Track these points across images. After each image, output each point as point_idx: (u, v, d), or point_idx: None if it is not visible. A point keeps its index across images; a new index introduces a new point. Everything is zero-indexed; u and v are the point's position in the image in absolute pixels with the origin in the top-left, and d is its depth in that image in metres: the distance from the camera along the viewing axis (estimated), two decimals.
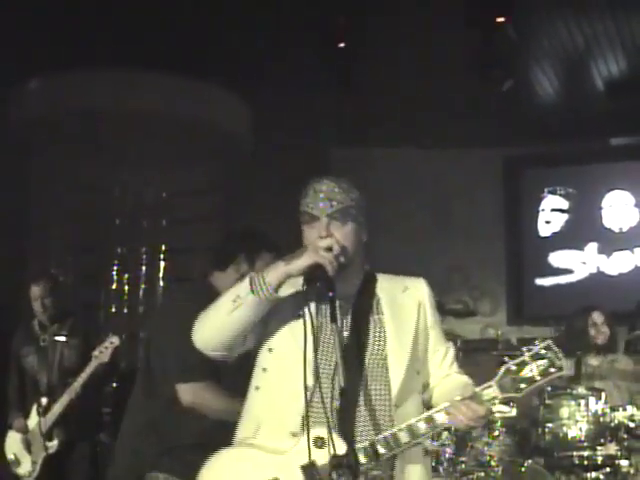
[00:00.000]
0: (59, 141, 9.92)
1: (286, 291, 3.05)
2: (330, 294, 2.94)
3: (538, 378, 2.99)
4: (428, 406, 3.21)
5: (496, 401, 3.03)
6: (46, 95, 9.64)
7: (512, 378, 3.00)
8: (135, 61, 8.82)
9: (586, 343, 6.83)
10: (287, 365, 3.01)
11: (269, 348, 3.11)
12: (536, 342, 2.99)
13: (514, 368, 3.00)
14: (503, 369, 3.01)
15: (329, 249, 2.98)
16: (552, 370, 3.00)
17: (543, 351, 3.01)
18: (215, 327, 3.06)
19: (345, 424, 2.92)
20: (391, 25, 8.46)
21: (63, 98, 9.54)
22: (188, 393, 4.08)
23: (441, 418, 2.99)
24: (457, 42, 8.54)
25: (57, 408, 6.22)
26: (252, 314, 2.99)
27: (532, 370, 2.98)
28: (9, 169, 9.54)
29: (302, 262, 2.95)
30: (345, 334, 3.09)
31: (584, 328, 6.88)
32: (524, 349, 3.03)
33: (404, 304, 3.22)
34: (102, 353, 6.16)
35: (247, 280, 2.98)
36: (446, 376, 3.27)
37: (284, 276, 2.97)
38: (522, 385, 2.99)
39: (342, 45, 8.44)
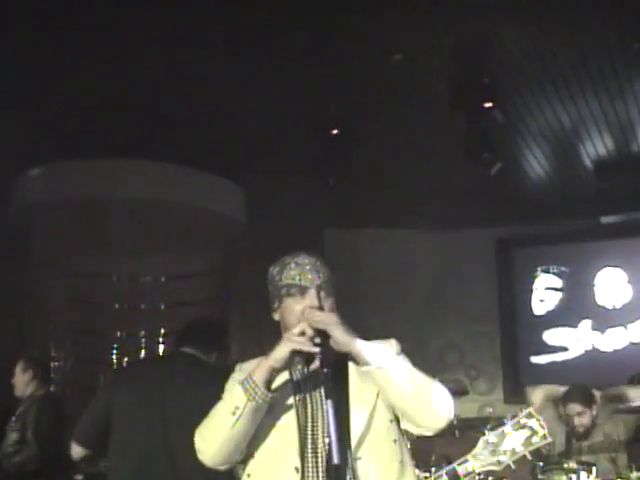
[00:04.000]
0: (58, 227, 10.04)
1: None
2: (325, 371, 2.96)
3: (520, 449, 2.91)
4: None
5: (474, 475, 2.97)
6: (47, 182, 9.75)
7: (492, 450, 2.92)
8: (133, 151, 8.99)
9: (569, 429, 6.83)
10: (274, 448, 3.06)
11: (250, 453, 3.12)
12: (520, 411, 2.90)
13: (494, 439, 2.93)
14: (481, 441, 2.90)
15: (302, 334, 2.97)
16: (535, 440, 2.90)
17: (524, 420, 2.91)
18: (220, 443, 3.03)
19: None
20: (384, 111, 8.65)
21: (63, 186, 9.62)
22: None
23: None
24: (447, 127, 8.70)
25: None
26: (253, 420, 2.98)
27: (514, 441, 2.88)
28: (11, 251, 9.64)
29: (280, 352, 2.96)
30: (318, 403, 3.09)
31: (564, 417, 6.90)
32: (505, 420, 2.93)
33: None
34: None
35: (239, 388, 2.97)
36: None
37: (269, 371, 2.97)
38: (502, 457, 2.90)
39: (335, 132, 8.61)
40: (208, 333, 5.24)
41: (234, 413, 2.95)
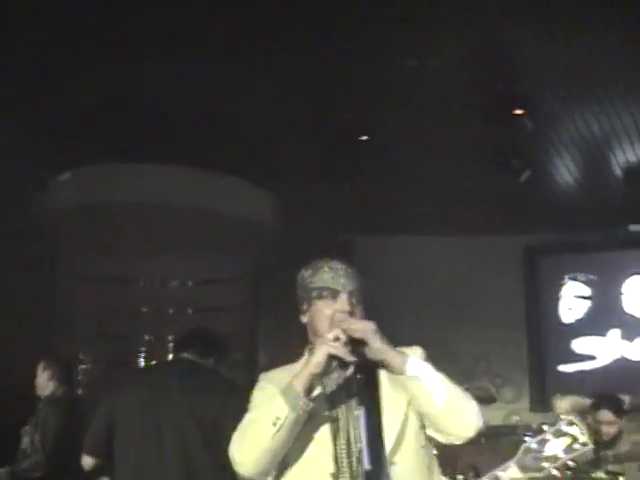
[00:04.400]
0: (87, 231, 10.10)
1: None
2: (358, 377, 3.01)
3: (562, 455, 2.89)
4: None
5: None
6: (74, 186, 9.81)
7: (533, 457, 2.90)
8: (163, 155, 9.04)
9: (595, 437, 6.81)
10: (308, 454, 3.06)
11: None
12: (560, 419, 2.88)
13: (535, 446, 2.91)
14: (523, 448, 2.89)
15: (337, 339, 2.98)
16: (576, 446, 2.88)
17: (565, 427, 2.90)
18: (259, 454, 2.99)
19: None
20: (410, 118, 8.65)
21: (91, 190, 9.71)
22: None
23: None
24: (475, 133, 8.70)
25: None
26: (294, 430, 2.96)
27: (555, 447, 2.86)
28: (38, 255, 9.70)
29: (317, 358, 2.96)
30: (353, 412, 3.09)
31: (592, 424, 6.88)
32: (545, 427, 2.93)
33: None
34: None
35: (280, 399, 2.95)
36: None
37: (309, 378, 2.96)
38: (545, 464, 2.87)
39: (364, 138, 8.63)
40: (203, 339, 5.39)
41: (275, 424, 2.92)
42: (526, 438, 2.89)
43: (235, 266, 10.74)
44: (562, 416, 2.90)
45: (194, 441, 4.81)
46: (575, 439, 2.89)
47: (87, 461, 5.10)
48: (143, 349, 10.46)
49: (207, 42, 7.09)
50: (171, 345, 10.22)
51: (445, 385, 3.04)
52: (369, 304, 3.27)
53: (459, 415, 3.06)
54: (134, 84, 7.78)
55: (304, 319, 3.28)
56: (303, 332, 3.34)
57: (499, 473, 2.98)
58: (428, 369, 3.06)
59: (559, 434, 2.91)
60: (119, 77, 7.58)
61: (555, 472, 2.79)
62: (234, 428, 3.10)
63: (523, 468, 2.93)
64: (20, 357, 8.66)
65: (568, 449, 2.89)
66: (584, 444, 2.89)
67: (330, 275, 3.19)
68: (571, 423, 2.91)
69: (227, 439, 3.10)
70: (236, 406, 3.91)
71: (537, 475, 2.93)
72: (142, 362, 10.40)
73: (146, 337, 10.53)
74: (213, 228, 9.98)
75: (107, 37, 6.94)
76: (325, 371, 3.01)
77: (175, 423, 4.88)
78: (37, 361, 6.84)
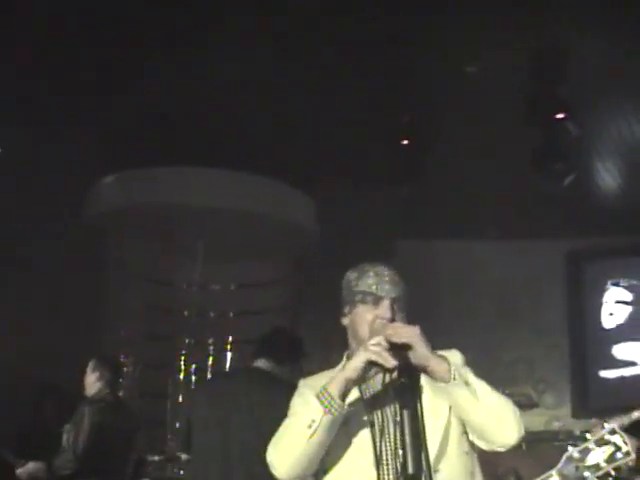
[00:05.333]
0: (133, 233, 10.19)
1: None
2: (402, 381, 2.93)
3: (604, 465, 2.79)
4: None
5: None
6: (123, 188, 9.90)
7: (575, 466, 2.78)
8: (205, 158, 9.10)
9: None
10: (348, 461, 3.05)
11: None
12: (603, 426, 2.83)
13: (577, 455, 2.78)
14: (565, 456, 2.86)
15: (378, 345, 2.94)
16: (619, 456, 2.78)
17: (608, 436, 2.77)
18: (295, 457, 3.00)
19: None
20: (455, 121, 8.64)
21: (139, 192, 9.79)
22: None
23: None
24: (520, 137, 8.67)
25: None
26: (329, 433, 2.95)
27: (597, 456, 2.74)
28: (87, 255, 9.79)
29: (356, 363, 2.94)
30: (392, 418, 3.07)
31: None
32: (588, 435, 2.89)
33: None
34: None
35: (315, 401, 2.93)
36: None
37: (345, 383, 2.94)
38: (586, 473, 2.77)
39: (406, 142, 8.63)
40: (283, 344, 5.30)
41: (310, 426, 2.92)
42: (569, 447, 2.85)
43: (276, 270, 10.80)
44: (605, 424, 2.83)
45: (260, 459, 4.82)
46: (618, 448, 2.83)
47: None
48: (183, 351, 10.54)
49: (271, 46, 7.17)
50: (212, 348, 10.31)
51: (488, 393, 3.02)
52: (411, 308, 3.23)
53: (502, 423, 3.05)
54: (184, 91, 7.85)
55: (345, 321, 3.26)
56: (343, 336, 3.32)
57: None
58: (471, 377, 3.03)
59: (602, 443, 2.86)
60: (169, 84, 7.67)
61: None
62: None
63: (564, 477, 2.86)
64: (67, 356, 8.73)
65: (610, 458, 2.83)
66: (627, 453, 2.84)
67: (375, 280, 3.17)
68: (614, 432, 2.86)
69: None
70: None
71: None
72: (182, 365, 10.48)
73: (186, 340, 10.61)
74: (257, 232, 10.02)
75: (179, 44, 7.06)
76: (363, 376, 3.00)
77: (242, 441, 4.86)
78: (86, 360, 6.87)
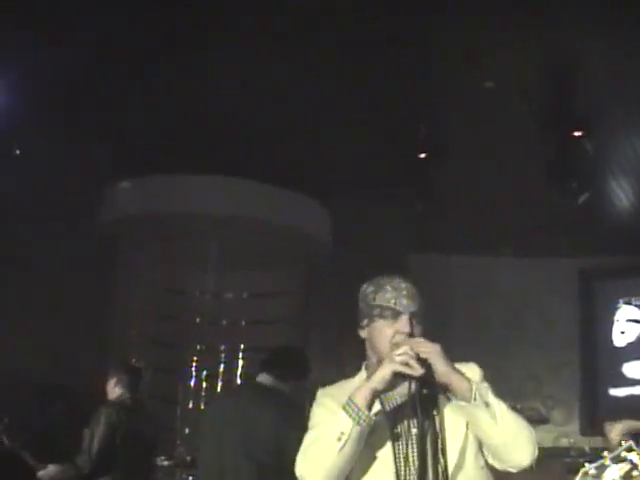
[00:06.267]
0: (145, 240, 10.23)
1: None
2: (420, 394, 2.96)
3: None
4: None
5: None
6: (136, 196, 9.95)
7: None
8: (221, 167, 9.15)
9: None
10: (369, 473, 3.05)
11: None
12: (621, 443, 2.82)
13: (594, 472, 2.84)
14: (581, 473, 2.89)
15: (405, 354, 2.93)
16: (635, 474, 2.82)
17: (624, 453, 2.84)
18: (326, 470, 2.97)
19: None
20: (471, 137, 8.68)
21: (151, 200, 9.82)
22: None
23: None
24: (535, 154, 8.69)
25: None
26: (358, 445, 2.93)
27: (613, 474, 2.82)
28: (98, 262, 9.84)
29: (382, 373, 2.93)
30: (414, 430, 3.06)
31: None
32: (605, 453, 2.89)
33: None
34: None
35: (343, 413, 2.93)
36: None
37: (371, 393, 2.93)
38: None
39: (423, 156, 8.65)
40: (286, 361, 5.36)
41: (339, 439, 2.90)
42: (586, 463, 2.85)
43: (290, 280, 10.81)
44: (622, 442, 2.82)
45: (270, 471, 4.88)
46: (635, 466, 2.84)
47: None
48: (194, 358, 10.58)
49: (272, 54, 7.21)
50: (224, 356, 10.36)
51: (507, 415, 3.03)
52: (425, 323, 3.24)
53: (517, 445, 3.06)
54: (195, 97, 7.90)
55: (363, 334, 3.26)
56: (353, 346, 3.36)
57: None
58: (491, 397, 3.04)
59: (618, 460, 2.86)
60: (185, 89, 7.72)
61: None
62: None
63: None
64: (80, 359, 8.80)
65: (627, 475, 2.85)
66: None
67: (393, 295, 3.16)
68: (630, 449, 2.86)
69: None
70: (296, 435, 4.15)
71: None
72: (193, 371, 10.52)
73: (198, 347, 10.64)
74: (272, 241, 10.04)
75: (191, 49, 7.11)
76: (388, 388, 3.01)
77: (248, 455, 4.93)
78: (103, 367, 6.96)
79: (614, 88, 7.78)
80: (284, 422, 4.84)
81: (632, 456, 2.80)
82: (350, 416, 2.92)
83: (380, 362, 3.12)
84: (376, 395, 2.98)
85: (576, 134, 8.12)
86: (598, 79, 7.64)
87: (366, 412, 2.92)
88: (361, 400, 2.94)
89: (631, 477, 2.80)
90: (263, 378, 5.26)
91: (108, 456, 6.35)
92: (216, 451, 5.11)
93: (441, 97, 8.01)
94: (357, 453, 2.96)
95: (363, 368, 3.29)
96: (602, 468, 2.81)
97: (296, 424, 4.54)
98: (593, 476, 2.81)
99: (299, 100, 7.93)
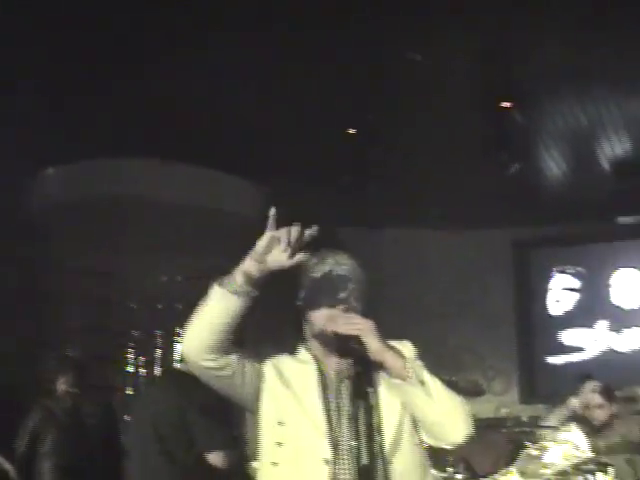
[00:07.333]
0: (76, 226, 10.08)
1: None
2: (358, 370, 3.03)
3: (561, 462, 2.83)
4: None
5: None
6: (66, 181, 9.84)
7: (534, 463, 2.86)
8: (154, 151, 9.03)
9: (586, 424, 6.85)
10: (303, 438, 3.01)
11: (279, 421, 3.05)
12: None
13: (535, 453, 2.87)
14: (524, 454, 2.90)
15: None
16: (576, 454, 2.84)
17: (566, 435, 2.84)
18: (194, 331, 2.99)
19: None
20: (402, 111, 8.64)
21: (81, 185, 9.73)
22: (220, 458, 4.70)
23: None
24: (466, 126, 8.70)
25: None
26: (227, 307, 2.93)
27: (555, 454, 2.81)
28: (29, 250, 9.69)
29: (262, 241, 2.93)
30: (347, 407, 3.07)
31: (582, 410, 6.91)
32: (547, 434, 2.89)
33: None
34: None
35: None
36: None
37: (248, 261, 2.93)
38: (544, 470, 2.85)
39: (352, 131, 8.62)
40: None
41: (205, 301, 2.97)
42: (528, 444, 2.85)
43: (224, 262, 10.70)
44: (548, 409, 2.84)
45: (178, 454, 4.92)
46: (576, 447, 2.84)
47: None
48: (131, 344, 10.47)
49: (207, 39, 7.12)
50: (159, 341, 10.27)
51: (441, 392, 3.04)
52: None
53: (452, 423, 3.07)
54: (122, 78, 7.78)
55: (300, 308, 3.24)
56: (291, 325, 3.31)
57: (499, 478, 2.91)
58: (426, 375, 3.04)
59: (559, 441, 2.87)
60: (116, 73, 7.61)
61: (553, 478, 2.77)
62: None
63: (523, 474, 2.89)
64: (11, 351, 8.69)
65: (569, 457, 2.86)
66: (583, 452, 2.85)
67: (332, 267, 3.16)
68: (572, 431, 2.87)
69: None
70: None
71: None
72: (129, 357, 10.41)
73: (134, 333, 10.53)
74: (204, 224, 9.96)
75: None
76: (266, 255, 2.93)
77: (156, 437, 4.92)
78: (30, 358, 6.88)
79: (544, 58, 7.80)
80: (188, 405, 4.83)
81: (573, 437, 2.80)
82: (217, 283, 2.95)
83: (315, 336, 3.15)
84: (260, 269, 2.93)
85: (506, 105, 8.13)
86: (529, 50, 7.65)
87: (233, 277, 2.91)
88: (236, 271, 2.93)
89: (573, 458, 2.81)
90: (181, 364, 5.28)
91: (59, 451, 6.39)
92: (132, 436, 5.27)
93: (372, 70, 7.95)
94: (227, 316, 2.94)
95: (299, 343, 3.27)
96: (544, 449, 2.81)
97: (204, 407, 4.67)
98: (535, 457, 2.82)
99: (232, 82, 7.85)
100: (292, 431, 3.04)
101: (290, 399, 3.08)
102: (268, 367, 3.17)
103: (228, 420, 4.87)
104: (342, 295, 3.13)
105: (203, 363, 2.99)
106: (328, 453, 2.96)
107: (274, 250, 2.92)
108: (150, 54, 7.36)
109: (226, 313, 2.94)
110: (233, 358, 3.04)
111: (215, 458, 4.75)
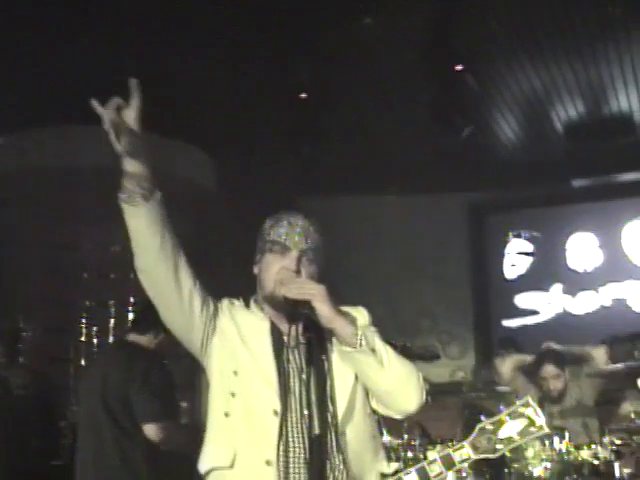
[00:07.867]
0: (26, 197, 9.94)
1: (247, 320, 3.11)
2: (308, 336, 3.02)
3: (517, 438, 2.83)
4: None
5: (470, 461, 2.89)
6: (16, 151, 9.71)
7: (488, 437, 2.81)
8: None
9: (542, 393, 6.90)
10: (255, 389, 2.99)
11: (234, 371, 3.02)
12: (516, 398, 2.81)
13: (490, 427, 2.81)
14: (478, 428, 2.85)
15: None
16: (532, 430, 2.81)
17: (522, 409, 2.83)
18: (137, 252, 3.18)
19: (321, 453, 2.90)
20: (355, 73, 8.56)
21: (32, 154, 9.60)
22: (154, 431, 4.74)
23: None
24: (418, 90, 8.65)
25: None
26: (132, 213, 3.05)
27: (510, 429, 2.80)
28: None
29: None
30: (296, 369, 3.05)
31: (537, 380, 6.97)
32: (501, 408, 2.88)
33: None
34: None
35: None
36: None
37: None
38: (499, 445, 2.80)
39: (304, 96, 8.54)
40: (144, 314, 5.33)
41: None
42: (482, 418, 2.82)
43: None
44: (518, 400, 2.80)
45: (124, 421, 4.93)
46: (531, 422, 2.82)
47: None
48: (84, 315, 10.36)
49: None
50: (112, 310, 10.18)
51: (393, 361, 3.01)
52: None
53: (403, 392, 3.05)
54: (70, 46, 7.64)
55: (255, 269, 3.22)
56: (246, 292, 3.29)
57: (451, 452, 2.86)
58: (378, 343, 3.01)
59: (515, 415, 2.84)
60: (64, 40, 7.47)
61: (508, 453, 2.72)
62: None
63: (477, 448, 2.85)
64: None
65: (524, 432, 2.83)
66: (540, 427, 2.82)
67: (286, 230, 3.14)
68: (527, 404, 2.84)
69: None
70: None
71: (490, 456, 2.88)
72: (83, 328, 10.30)
73: (87, 303, 10.42)
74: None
75: None
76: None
77: (104, 407, 4.97)
78: None
79: (497, 21, 7.76)
80: (133, 376, 4.90)
81: (529, 411, 2.79)
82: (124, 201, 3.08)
83: (266, 298, 3.12)
84: (132, 158, 3.01)
85: (458, 68, 8.09)
86: (481, 12, 7.61)
87: (128, 186, 3.02)
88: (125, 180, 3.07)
89: (528, 433, 2.78)
90: (130, 336, 5.35)
91: None
92: (83, 407, 5.29)
93: (321, 35, 7.86)
94: (144, 217, 3.04)
95: (252, 302, 3.23)
96: (498, 424, 2.79)
97: (146, 380, 4.78)
98: (490, 432, 2.79)
99: (185, 50, 7.74)
100: (245, 382, 3.00)
101: (244, 351, 3.04)
102: (224, 306, 3.16)
103: (171, 393, 4.88)
104: (291, 257, 3.10)
105: (156, 274, 3.10)
106: (277, 404, 2.92)
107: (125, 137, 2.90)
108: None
109: (146, 222, 3.05)
110: (184, 275, 3.10)
111: (149, 430, 4.78)
